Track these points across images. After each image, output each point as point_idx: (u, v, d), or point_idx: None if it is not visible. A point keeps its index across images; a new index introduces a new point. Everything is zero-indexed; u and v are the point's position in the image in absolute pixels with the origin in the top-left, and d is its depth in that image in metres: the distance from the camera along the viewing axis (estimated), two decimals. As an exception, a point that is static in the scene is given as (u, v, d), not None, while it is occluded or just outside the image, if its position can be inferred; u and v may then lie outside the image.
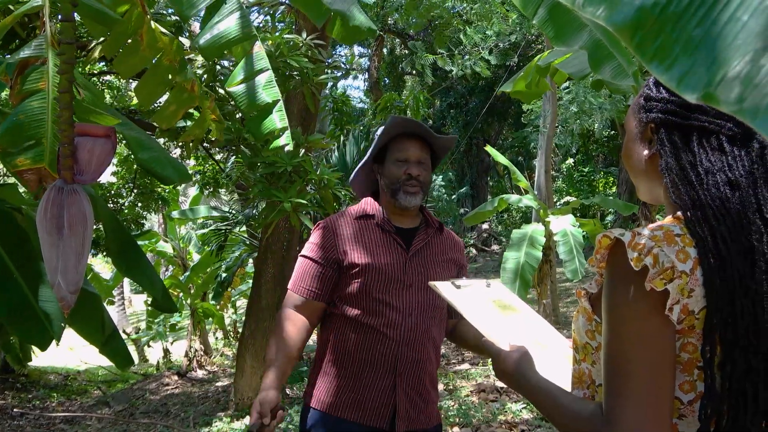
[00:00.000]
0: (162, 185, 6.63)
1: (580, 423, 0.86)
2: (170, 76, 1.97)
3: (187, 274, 8.15)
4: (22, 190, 2.89)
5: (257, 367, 4.86)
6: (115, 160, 6.78)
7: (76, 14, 1.63)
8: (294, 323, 1.72)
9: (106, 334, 2.28)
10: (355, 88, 31.73)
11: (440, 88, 14.76)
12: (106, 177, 7.52)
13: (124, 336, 9.36)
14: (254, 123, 2.15)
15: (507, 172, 8.93)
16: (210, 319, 8.33)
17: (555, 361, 1.12)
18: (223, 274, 7.11)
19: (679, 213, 0.88)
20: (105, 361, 2.50)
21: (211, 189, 7.01)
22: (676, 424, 0.84)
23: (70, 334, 2.25)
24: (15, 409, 6.26)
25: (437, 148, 1.83)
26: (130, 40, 1.87)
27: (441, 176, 12.45)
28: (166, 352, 9.03)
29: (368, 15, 2.36)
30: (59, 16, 1.55)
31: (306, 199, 3.19)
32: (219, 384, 6.88)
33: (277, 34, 3.33)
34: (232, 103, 3.53)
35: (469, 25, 9.68)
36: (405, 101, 5.05)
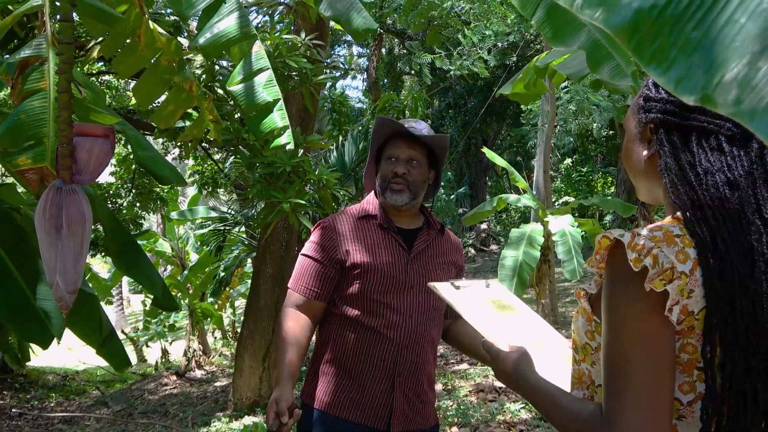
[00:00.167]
0: (160, 185, 6.63)
1: (579, 423, 0.86)
2: (168, 76, 1.97)
3: (185, 274, 8.15)
4: (20, 190, 2.89)
5: (256, 367, 4.85)
6: (113, 160, 6.76)
7: (75, 14, 1.64)
8: (298, 321, 1.72)
9: (103, 335, 2.28)
10: (353, 88, 31.73)
11: (439, 88, 14.73)
12: (105, 177, 7.51)
13: (122, 336, 9.38)
14: (255, 122, 2.15)
15: (506, 172, 8.93)
16: (208, 319, 8.32)
17: (554, 361, 1.12)
18: (222, 274, 7.11)
19: (678, 213, 0.88)
20: (103, 362, 2.50)
21: (210, 189, 7.00)
22: (676, 425, 0.84)
23: (68, 335, 2.26)
24: (13, 409, 6.25)
25: (434, 146, 1.82)
26: (128, 40, 1.87)
27: (440, 176, 12.40)
28: (165, 352, 9.01)
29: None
30: (58, 16, 1.55)
31: (305, 200, 3.19)
32: (217, 384, 6.88)
33: (276, 34, 3.33)
34: (231, 103, 3.53)
35: (468, 25, 9.67)
36: (404, 101, 5.03)
